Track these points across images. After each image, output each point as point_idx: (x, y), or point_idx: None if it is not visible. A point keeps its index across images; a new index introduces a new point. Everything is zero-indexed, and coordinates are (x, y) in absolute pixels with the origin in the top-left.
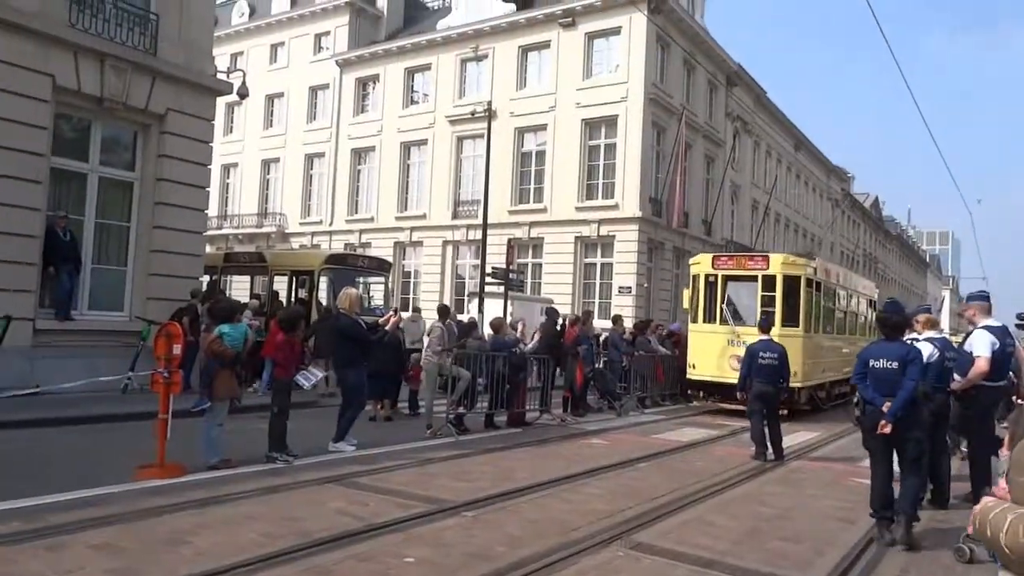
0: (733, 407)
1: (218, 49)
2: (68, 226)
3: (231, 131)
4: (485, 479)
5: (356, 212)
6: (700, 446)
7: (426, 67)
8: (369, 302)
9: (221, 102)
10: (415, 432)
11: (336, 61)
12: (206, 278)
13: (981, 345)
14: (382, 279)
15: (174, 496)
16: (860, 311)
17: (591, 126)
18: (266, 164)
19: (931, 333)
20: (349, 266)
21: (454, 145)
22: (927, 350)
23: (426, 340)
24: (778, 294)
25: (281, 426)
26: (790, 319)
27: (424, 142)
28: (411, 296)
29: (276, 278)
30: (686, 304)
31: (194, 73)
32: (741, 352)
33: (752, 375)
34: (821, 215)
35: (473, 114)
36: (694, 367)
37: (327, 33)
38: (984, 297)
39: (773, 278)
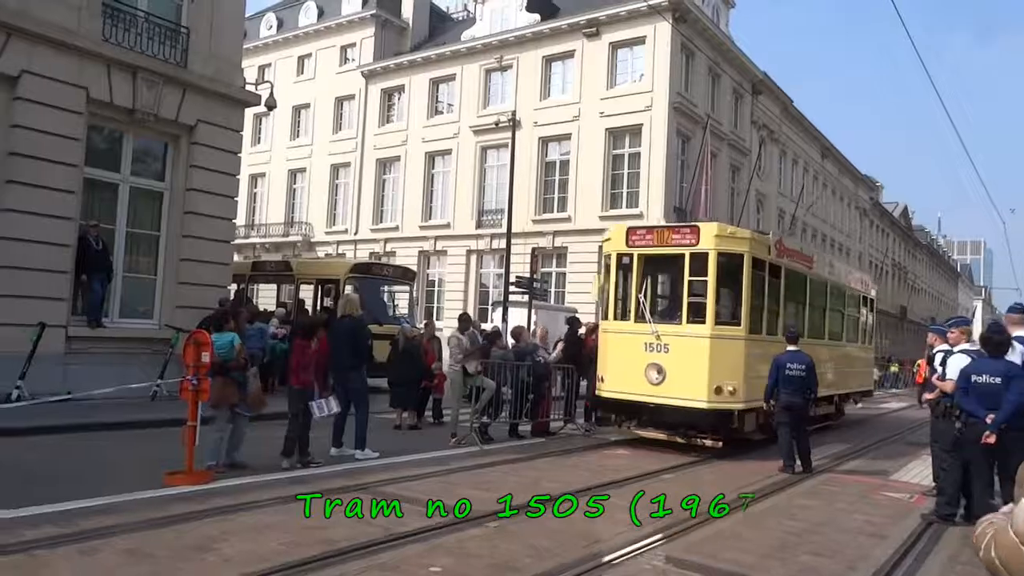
0: (653, 436)
1: (246, 61)
2: (100, 235)
3: (259, 141)
4: (509, 488)
5: (381, 221)
6: (727, 457)
7: (451, 77)
8: (394, 311)
9: (249, 113)
10: (439, 441)
11: (362, 72)
12: (234, 287)
13: (1013, 356)
14: (407, 288)
15: (201, 503)
16: (847, 309)
17: (615, 135)
18: (293, 174)
19: (966, 345)
20: (374, 275)
21: (478, 155)
22: (962, 362)
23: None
24: (710, 278)
25: (293, 432)
26: (728, 314)
27: (448, 152)
28: (435, 305)
29: (302, 287)
30: (596, 295)
31: (223, 85)
32: (662, 360)
33: (779, 387)
34: (848, 224)
35: (497, 124)
36: (603, 380)
37: (353, 45)
38: (1019, 309)
39: (704, 256)
